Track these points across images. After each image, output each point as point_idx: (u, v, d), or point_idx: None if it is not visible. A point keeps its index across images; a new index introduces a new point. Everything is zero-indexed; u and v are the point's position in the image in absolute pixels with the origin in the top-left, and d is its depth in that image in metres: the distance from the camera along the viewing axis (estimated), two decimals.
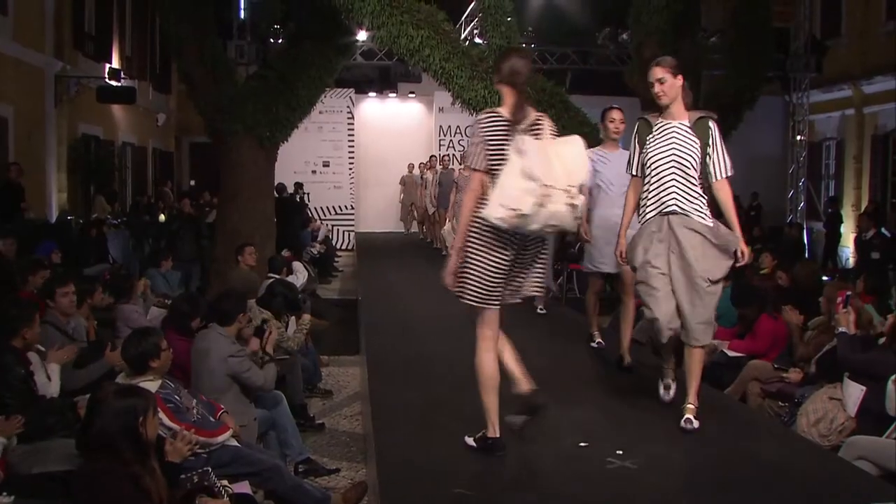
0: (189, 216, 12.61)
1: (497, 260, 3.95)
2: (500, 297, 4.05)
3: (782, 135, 19.42)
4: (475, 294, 3.98)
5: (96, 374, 5.28)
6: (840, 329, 5.50)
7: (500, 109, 4.08)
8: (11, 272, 7.42)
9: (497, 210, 3.75)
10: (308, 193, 18.25)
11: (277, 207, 13.25)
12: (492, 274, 3.96)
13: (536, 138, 3.96)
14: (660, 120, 4.78)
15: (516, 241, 3.95)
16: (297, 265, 8.78)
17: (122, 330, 6.69)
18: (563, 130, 8.64)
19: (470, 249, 3.98)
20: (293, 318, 7.33)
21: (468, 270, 3.99)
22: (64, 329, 5.72)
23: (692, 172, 4.62)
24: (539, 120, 4.11)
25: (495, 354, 4.11)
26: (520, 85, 4.10)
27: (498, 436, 4.21)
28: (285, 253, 11.12)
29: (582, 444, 4.47)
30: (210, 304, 5.88)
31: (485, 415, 4.19)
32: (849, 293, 6.05)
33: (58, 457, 4.12)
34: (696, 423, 4.67)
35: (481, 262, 3.95)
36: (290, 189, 16.85)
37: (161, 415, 3.91)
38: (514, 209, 3.71)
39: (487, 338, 4.09)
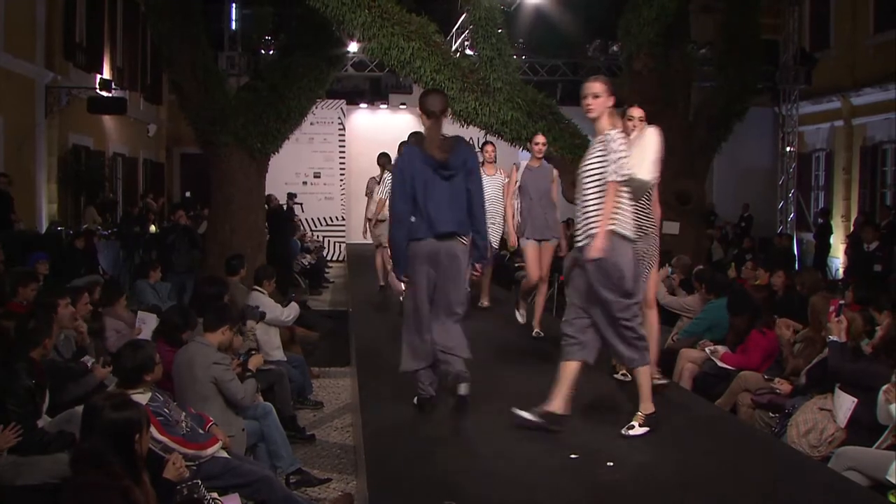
0: (185, 227, 12.58)
1: None
2: None
3: (772, 146, 19.52)
4: None
5: (85, 388, 5.27)
6: (831, 338, 5.52)
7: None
8: (2, 283, 7.38)
9: None
10: (302, 204, 18.25)
11: (269, 219, 13.29)
12: None
13: None
14: None
15: None
16: (293, 306, 8.38)
17: (111, 338, 6.69)
18: (553, 142, 8.68)
19: None
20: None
21: None
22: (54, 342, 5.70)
23: None
24: None
25: None
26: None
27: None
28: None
29: (572, 455, 4.47)
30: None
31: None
32: (842, 302, 6.06)
33: (45, 469, 4.10)
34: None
35: None
36: (283, 200, 16.81)
37: (151, 428, 3.89)
38: None
39: None
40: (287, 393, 6.73)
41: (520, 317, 7.93)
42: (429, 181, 4.92)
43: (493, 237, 8.68)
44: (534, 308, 7.89)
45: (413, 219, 4.93)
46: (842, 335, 5.44)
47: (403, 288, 5.29)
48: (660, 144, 5.13)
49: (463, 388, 5.07)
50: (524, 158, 8.13)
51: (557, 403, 4.80)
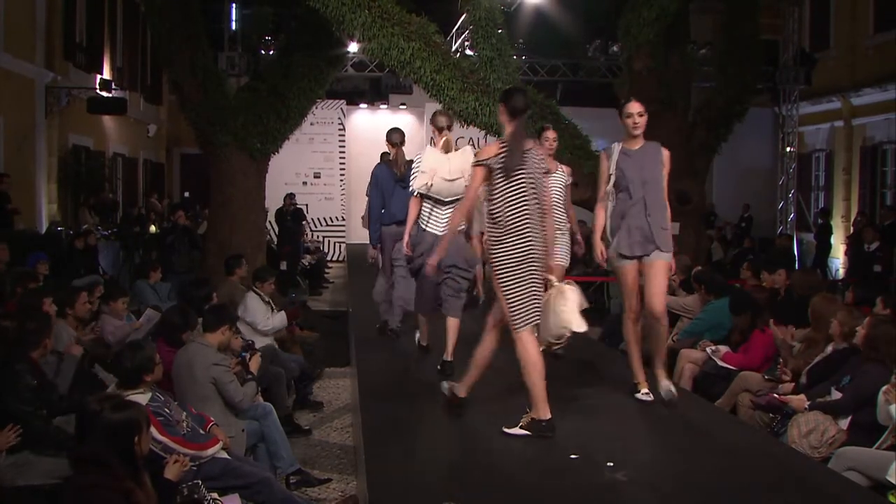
0: (184, 228, 12.59)
1: None
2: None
3: (772, 146, 19.53)
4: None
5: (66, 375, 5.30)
6: (805, 406, 5.48)
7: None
8: (2, 282, 7.39)
9: None
10: (307, 205, 18.25)
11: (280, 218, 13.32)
12: None
13: None
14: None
15: None
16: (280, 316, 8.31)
17: (111, 336, 6.70)
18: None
19: None
20: None
21: None
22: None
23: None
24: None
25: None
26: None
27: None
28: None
29: (573, 455, 4.47)
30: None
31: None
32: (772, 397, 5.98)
33: (43, 471, 4.10)
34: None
35: None
36: (282, 202, 16.81)
37: (151, 428, 3.89)
38: None
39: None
40: (283, 390, 6.86)
41: (643, 394, 5.58)
42: (391, 188, 7.14)
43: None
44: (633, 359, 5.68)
45: (383, 211, 7.16)
46: (803, 405, 5.47)
47: (374, 254, 7.51)
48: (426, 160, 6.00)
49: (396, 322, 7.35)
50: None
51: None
